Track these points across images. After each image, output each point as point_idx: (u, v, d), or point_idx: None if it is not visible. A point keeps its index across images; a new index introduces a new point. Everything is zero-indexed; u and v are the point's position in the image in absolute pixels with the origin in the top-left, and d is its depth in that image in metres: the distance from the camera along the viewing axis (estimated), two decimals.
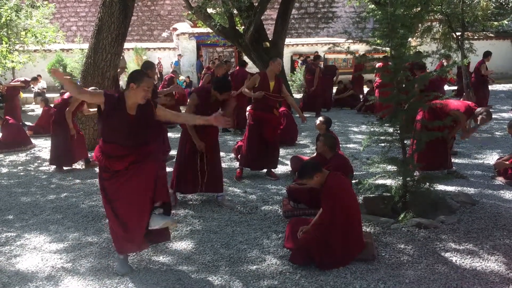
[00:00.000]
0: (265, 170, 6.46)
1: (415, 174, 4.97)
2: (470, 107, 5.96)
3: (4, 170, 7.47)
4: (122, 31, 8.24)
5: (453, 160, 6.45)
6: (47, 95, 14.73)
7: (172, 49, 20.30)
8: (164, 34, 25.01)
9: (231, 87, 5.35)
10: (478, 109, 5.93)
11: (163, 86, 11.51)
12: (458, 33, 11.24)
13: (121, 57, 17.58)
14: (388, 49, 4.73)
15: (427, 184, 4.71)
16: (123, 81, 17.46)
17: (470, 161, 6.99)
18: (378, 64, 7.97)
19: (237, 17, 14.00)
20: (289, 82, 15.49)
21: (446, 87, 13.40)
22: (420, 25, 12.25)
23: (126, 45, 12.79)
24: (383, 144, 4.75)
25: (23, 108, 14.22)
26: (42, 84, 15.98)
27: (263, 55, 12.94)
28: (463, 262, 3.78)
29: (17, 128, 9.31)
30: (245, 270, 3.78)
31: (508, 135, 7.70)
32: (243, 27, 13.43)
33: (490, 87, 12.26)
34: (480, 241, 4.16)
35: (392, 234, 4.35)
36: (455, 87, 14.20)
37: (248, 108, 6.66)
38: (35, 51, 16.84)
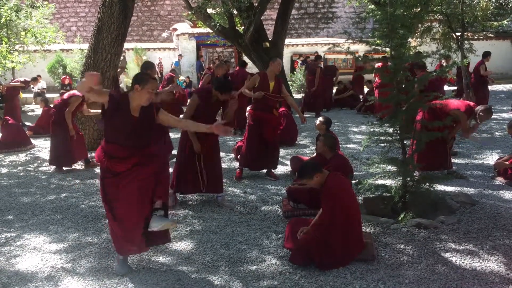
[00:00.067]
0: (264, 170, 6.46)
1: (415, 174, 4.96)
2: (470, 107, 5.96)
3: (4, 170, 7.47)
4: (122, 31, 8.25)
5: (453, 160, 6.45)
6: (47, 95, 14.74)
7: (172, 49, 20.30)
8: (164, 35, 25.01)
9: (233, 87, 5.35)
10: (478, 107, 5.93)
11: (163, 86, 11.52)
12: (458, 34, 11.24)
13: (122, 57, 17.63)
14: (388, 49, 4.73)
15: (427, 184, 4.71)
16: (123, 81, 17.55)
17: (470, 161, 6.99)
18: (377, 64, 7.98)
19: (237, 17, 14.00)
20: (289, 82, 15.50)
21: (446, 87, 13.41)
22: (420, 25, 12.24)
23: (126, 45, 12.79)
24: (383, 144, 4.75)
25: (23, 108, 14.22)
26: (42, 84, 15.99)
27: (263, 55, 12.94)
28: (463, 262, 3.78)
29: (17, 129, 9.31)
30: (245, 270, 3.78)
31: (508, 135, 7.70)
32: (243, 27, 13.43)
33: (490, 88, 12.27)
34: (480, 241, 4.16)
35: (392, 235, 4.35)
36: (455, 87, 14.20)
37: (248, 108, 6.66)
38: (35, 51, 16.84)
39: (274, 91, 6.28)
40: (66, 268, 3.89)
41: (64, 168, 7.25)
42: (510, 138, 7.75)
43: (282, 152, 7.29)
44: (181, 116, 8.39)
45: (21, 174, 7.21)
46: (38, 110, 13.95)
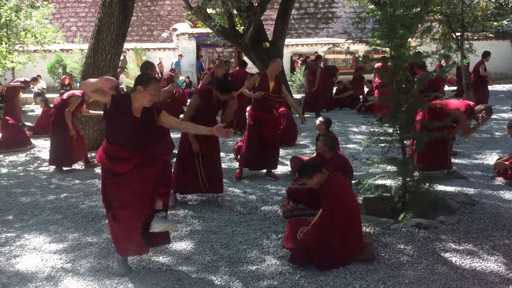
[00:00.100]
0: (264, 171, 6.46)
1: (414, 174, 4.96)
2: (470, 106, 5.96)
3: (4, 170, 7.47)
4: (122, 32, 8.24)
5: (453, 160, 6.45)
6: (47, 95, 14.73)
7: (172, 49, 20.30)
8: (164, 35, 25.01)
9: (234, 88, 5.36)
10: (478, 106, 5.92)
11: (163, 86, 11.50)
12: (457, 34, 11.25)
13: (123, 57, 17.62)
14: (387, 49, 4.73)
15: (427, 184, 4.71)
16: (124, 81, 17.55)
17: (469, 161, 6.99)
18: (377, 65, 7.98)
19: (237, 17, 14.00)
20: (288, 83, 15.49)
21: (445, 88, 13.41)
22: (419, 25, 12.24)
23: (126, 45, 12.79)
24: (383, 145, 4.75)
25: (23, 109, 14.21)
26: (41, 84, 15.98)
27: (263, 55, 12.94)
28: (462, 263, 3.78)
29: (17, 129, 9.31)
30: (245, 270, 3.78)
31: (507, 135, 7.70)
32: (242, 27, 13.43)
33: (490, 88, 12.27)
34: (479, 241, 4.16)
35: (392, 235, 4.35)
36: (455, 88, 14.21)
37: (248, 108, 6.65)
38: (34, 51, 16.84)
39: (274, 91, 6.28)
40: (66, 268, 3.89)
41: (64, 168, 7.25)
42: (510, 138, 7.75)
43: (282, 152, 7.29)
44: (181, 116, 8.41)
45: (21, 174, 7.21)
46: (38, 110, 13.95)
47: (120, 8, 8.02)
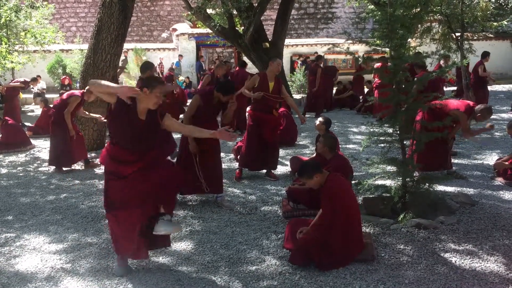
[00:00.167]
0: (264, 171, 6.46)
1: (414, 174, 4.96)
2: (470, 106, 5.95)
3: (4, 170, 7.47)
4: (122, 32, 8.24)
5: (452, 160, 6.45)
6: (47, 95, 14.77)
7: (172, 49, 20.31)
8: (164, 35, 25.01)
9: (235, 89, 5.36)
10: (478, 106, 5.92)
11: None
12: (457, 34, 11.26)
13: (124, 57, 17.60)
14: (387, 49, 4.73)
15: (427, 184, 4.71)
16: (123, 82, 17.55)
17: (469, 161, 6.99)
18: (377, 65, 7.97)
19: (237, 17, 14.01)
20: (288, 83, 15.50)
21: (445, 88, 13.41)
22: (419, 25, 12.26)
23: (126, 45, 12.79)
24: (382, 145, 4.75)
25: (22, 109, 14.21)
26: (41, 84, 15.99)
27: (263, 55, 12.94)
28: (462, 263, 3.78)
29: (17, 129, 9.31)
30: (245, 270, 3.77)
31: (507, 136, 7.70)
32: (242, 27, 13.44)
33: (490, 88, 12.28)
34: (479, 241, 4.16)
35: (392, 235, 4.35)
36: (455, 88, 14.21)
37: (248, 108, 6.65)
38: (34, 51, 16.84)
39: (273, 92, 6.28)
40: (66, 269, 3.89)
41: (64, 169, 7.24)
42: (510, 139, 7.75)
43: (282, 152, 7.29)
44: (181, 116, 8.41)
45: (20, 174, 7.21)
46: (37, 110, 13.95)
47: (120, 8, 8.02)
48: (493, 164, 6.33)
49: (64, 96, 7.32)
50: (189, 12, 14.26)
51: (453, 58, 12.83)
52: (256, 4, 13.08)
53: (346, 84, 14.12)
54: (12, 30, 14.86)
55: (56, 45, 17.27)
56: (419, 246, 4.09)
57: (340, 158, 5.13)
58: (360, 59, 17.61)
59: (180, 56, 19.51)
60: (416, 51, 5.72)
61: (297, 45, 20.37)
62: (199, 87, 11.82)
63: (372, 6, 12.61)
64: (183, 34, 19.93)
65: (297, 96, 15.53)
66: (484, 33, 18.47)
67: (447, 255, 3.92)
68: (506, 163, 5.90)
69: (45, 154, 8.28)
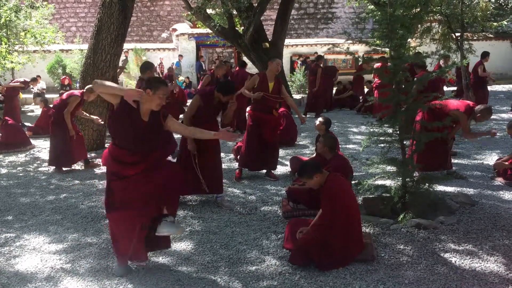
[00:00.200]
0: (264, 171, 6.46)
1: (414, 174, 4.96)
2: (470, 107, 5.94)
3: (4, 170, 7.47)
4: (122, 32, 8.24)
5: (452, 160, 6.45)
6: (47, 95, 14.78)
7: (172, 49, 20.31)
8: (164, 35, 25.02)
9: (235, 89, 5.36)
10: (478, 107, 5.92)
11: None
12: (457, 34, 11.25)
13: (125, 57, 17.60)
14: (387, 49, 4.73)
15: (427, 184, 4.71)
16: (123, 82, 17.55)
17: (469, 161, 6.99)
18: (376, 65, 7.97)
19: (237, 17, 14.01)
20: (288, 83, 15.51)
21: (445, 88, 13.41)
22: (419, 25, 12.26)
23: (126, 45, 12.79)
24: (382, 145, 4.75)
25: (22, 109, 14.22)
26: (41, 84, 16.00)
27: (263, 55, 12.94)
28: (462, 263, 3.78)
29: (17, 129, 9.31)
30: (245, 270, 3.77)
31: (507, 136, 7.70)
32: (242, 27, 13.44)
33: (490, 88, 12.28)
34: (479, 241, 4.16)
35: (392, 235, 4.35)
36: (455, 88, 14.22)
37: (248, 109, 6.65)
38: (34, 51, 16.85)
39: (273, 92, 6.28)
40: (66, 269, 3.89)
41: (64, 169, 7.24)
42: (510, 139, 7.76)
43: (281, 152, 7.29)
44: (181, 116, 8.41)
45: (20, 174, 7.21)
46: (37, 110, 13.95)
47: (120, 8, 8.02)
48: (493, 164, 6.33)
49: (64, 96, 7.32)
50: (189, 12, 14.25)
51: (453, 58, 12.83)
52: (256, 4, 13.08)
53: (346, 84, 14.12)
54: (12, 30, 14.86)
55: (56, 45, 17.28)
56: (419, 246, 4.09)
57: (340, 158, 5.13)
58: (360, 59, 17.62)
59: (180, 56, 19.51)
60: (416, 51, 5.72)
61: (297, 45, 20.37)
62: (199, 87, 11.84)
63: (372, 6, 12.61)
64: (183, 34, 19.94)
65: (297, 96, 15.53)
66: (484, 33, 18.48)
67: (447, 255, 3.92)
68: (506, 163, 5.90)
69: (45, 154, 8.28)
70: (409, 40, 10.81)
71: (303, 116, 9.01)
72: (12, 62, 14.19)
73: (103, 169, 7.24)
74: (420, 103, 4.80)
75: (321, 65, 12.48)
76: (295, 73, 17.96)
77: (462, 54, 10.98)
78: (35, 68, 17.07)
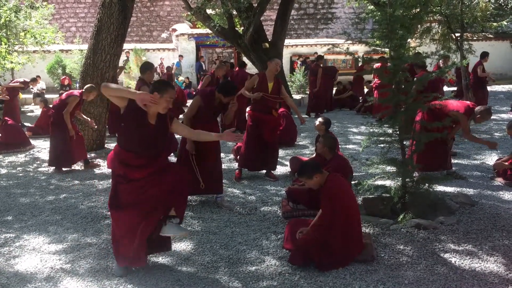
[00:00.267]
0: (264, 171, 6.46)
1: (414, 175, 4.97)
2: (469, 107, 5.95)
3: (3, 171, 7.46)
4: (122, 32, 8.24)
5: (452, 161, 6.45)
6: (46, 96, 14.78)
7: (172, 50, 20.32)
8: (164, 35, 25.03)
9: (236, 90, 5.36)
10: (478, 108, 5.92)
11: None
12: (457, 34, 11.25)
13: (126, 58, 17.59)
14: (387, 50, 4.73)
15: (426, 185, 4.71)
16: (124, 82, 17.54)
17: (469, 162, 6.99)
18: (376, 65, 7.97)
19: (237, 18, 14.01)
20: (288, 83, 15.51)
21: (445, 88, 13.41)
22: (419, 26, 12.24)
23: (126, 46, 12.80)
24: (382, 145, 4.75)
25: (22, 109, 14.21)
26: (41, 85, 16.00)
27: (263, 56, 12.94)
28: (462, 263, 3.78)
29: (16, 129, 9.30)
30: (244, 271, 3.77)
31: (507, 136, 7.70)
32: (242, 28, 13.44)
33: (489, 88, 12.28)
34: (479, 242, 4.16)
35: (391, 235, 4.35)
36: (455, 88, 14.21)
37: (247, 109, 6.65)
38: (34, 52, 16.85)
39: (273, 92, 6.28)
40: (65, 269, 3.89)
41: (64, 169, 7.24)
42: (510, 139, 7.75)
43: (281, 152, 7.29)
44: (181, 116, 8.40)
45: (20, 174, 7.21)
46: (37, 110, 13.95)
47: (120, 8, 8.02)
48: (492, 164, 6.33)
49: (63, 96, 7.32)
50: (189, 13, 14.26)
51: (452, 59, 12.82)
52: (256, 5, 13.08)
53: (346, 85, 14.13)
54: (12, 30, 14.86)
55: (55, 45, 17.29)
56: (419, 247, 4.09)
57: (340, 158, 5.13)
58: (359, 59, 17.61)
59: (180, 56, 19.52)
60: (416, 51, 5.72)
61: (296, 45, 20.38)
62: (199, 87, 11.84)
63: (372, 7, 12.61)
64: (182, 34, 19.95)
65: (296, 97, 15.53)
66: (483, 33, 18.47)
67: (446, 255, 3.92)
68: (506, 163, 5.90)
69: (44, 155, 8.27)
70: (409, 40, 10.79)
71: (304, 116, 9.01)
72: (12, 62, 14.19)
73: (103, 169, 7.25)
74: (419, 104, 4.80)
75: (321, 65, 12.49)
76: (294, 73, 17.97)
77: (462, 54, 10.97)
78: (35, 68, 17.07)
